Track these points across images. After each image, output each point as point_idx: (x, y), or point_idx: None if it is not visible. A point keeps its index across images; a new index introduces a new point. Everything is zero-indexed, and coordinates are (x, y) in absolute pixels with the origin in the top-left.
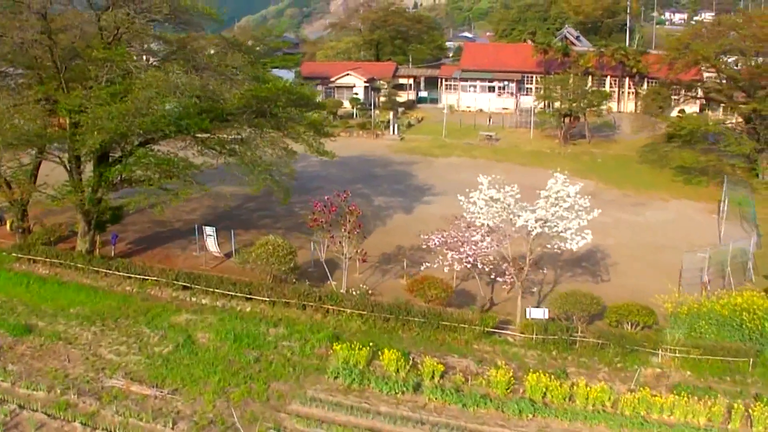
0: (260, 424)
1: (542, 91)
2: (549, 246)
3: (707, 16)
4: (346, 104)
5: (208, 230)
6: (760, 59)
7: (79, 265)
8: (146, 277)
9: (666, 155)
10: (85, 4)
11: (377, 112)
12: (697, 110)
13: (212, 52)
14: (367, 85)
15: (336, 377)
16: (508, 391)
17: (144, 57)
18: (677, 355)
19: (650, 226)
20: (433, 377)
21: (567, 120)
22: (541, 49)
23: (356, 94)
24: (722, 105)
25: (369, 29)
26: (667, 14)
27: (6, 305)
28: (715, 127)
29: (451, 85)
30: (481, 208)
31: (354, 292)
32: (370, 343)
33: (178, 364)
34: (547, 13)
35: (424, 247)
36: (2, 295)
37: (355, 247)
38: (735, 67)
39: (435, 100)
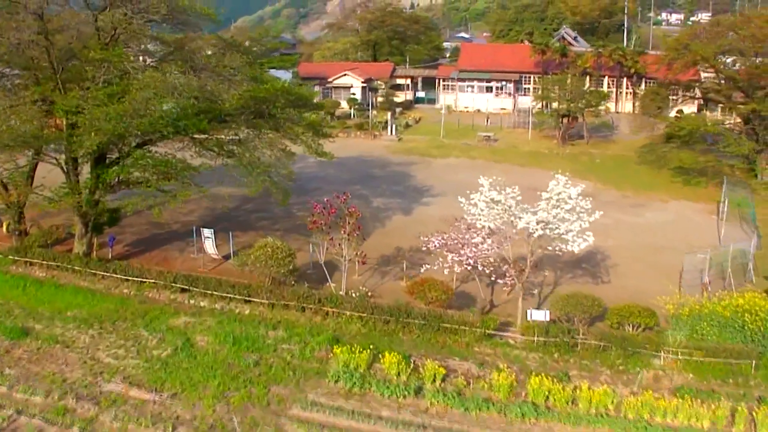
0: (261, 429)
1: (540, 92)
2: (550, 248)
3: (704, 17)
4: (344, 105)
5: (206, 232)
6: (759, 59)
7: (76, 268)
8: (144, 280)
9: (664, 156)
10: (82, 4)
11: (375, 112)
12: (695, 110)
13: (210, 52)
14: (364, 85)
15: (337, 381)
16: (511, 394)
17: (141, 58)
18: (679, 357)
19: (650, 227)
20: (434, 381)
21: (565, 120)
22: (539, 50)
23: (354, 94)
24: (720, 105)
25: (366, 30)
26: (663, 15)
27: (2, 308)
28: (713, 128)
29: (448, 85)
30: (482, 210)
31: (353, 294)
32: (371, 346)
33: (177, 368)
34: (544, 14)
35: (424, 249)
36: None
37: (355, 249)
38: (734, 68)
39: (432, 101)
